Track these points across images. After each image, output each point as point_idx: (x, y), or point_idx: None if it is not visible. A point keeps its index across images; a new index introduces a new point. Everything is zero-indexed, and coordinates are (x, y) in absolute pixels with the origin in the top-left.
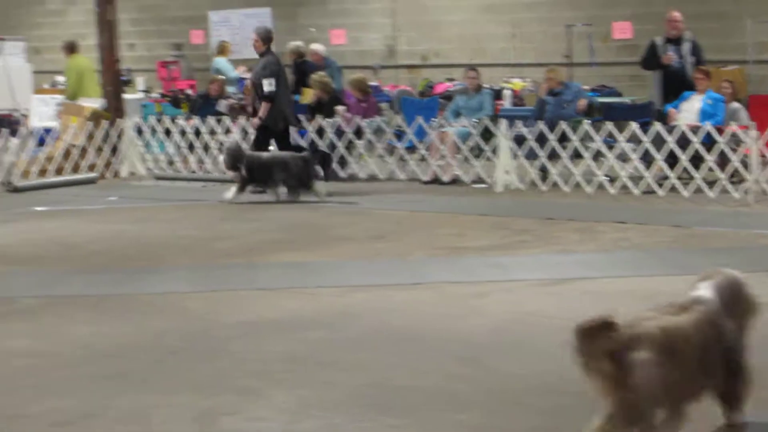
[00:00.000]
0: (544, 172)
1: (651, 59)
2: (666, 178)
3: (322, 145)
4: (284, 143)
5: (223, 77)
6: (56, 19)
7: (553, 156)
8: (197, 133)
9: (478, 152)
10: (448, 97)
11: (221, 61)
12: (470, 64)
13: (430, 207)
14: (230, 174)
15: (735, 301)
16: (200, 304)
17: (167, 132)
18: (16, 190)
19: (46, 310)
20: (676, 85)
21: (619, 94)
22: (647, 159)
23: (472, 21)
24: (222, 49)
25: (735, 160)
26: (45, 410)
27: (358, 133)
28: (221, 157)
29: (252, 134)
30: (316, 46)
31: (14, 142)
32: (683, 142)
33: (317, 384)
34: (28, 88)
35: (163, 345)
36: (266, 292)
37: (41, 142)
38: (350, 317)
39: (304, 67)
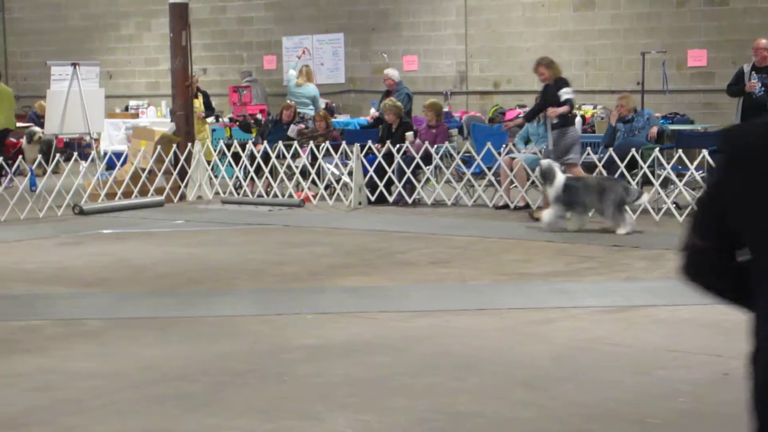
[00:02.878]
0: None
1: (735, 86)
2: None
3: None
4: None
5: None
6: (130, 44)
7: None
8: (266, 157)
9: None
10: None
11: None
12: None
13: (497, 233)
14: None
15: None
16: (265, 327)
17: (236, 156)
18: (84, 212)
19: (113, 332)
20: (754, 113)
21: (691, 122)
22: None
23: (545, 47)
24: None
25: None
26: (110, 431)
27: (427, 158)
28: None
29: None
30: (390, 72)
31: (84, 165)
32: None
33: (380, 409)
34: (101, 113)
35: (228, 368)
36: (330, 316)
37: (111, 166)
38: (414, 342)
39: None
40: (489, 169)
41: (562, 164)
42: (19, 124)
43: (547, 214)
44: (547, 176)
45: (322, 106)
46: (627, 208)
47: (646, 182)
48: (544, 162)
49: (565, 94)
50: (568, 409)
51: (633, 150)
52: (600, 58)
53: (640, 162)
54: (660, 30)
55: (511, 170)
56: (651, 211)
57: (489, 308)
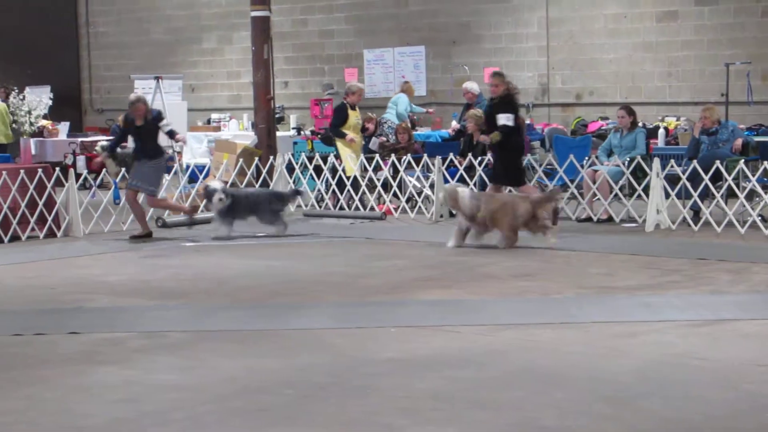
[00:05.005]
0: (696, 212)
1: None
2: None
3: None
4: None
5: (373, 115)
6: (212, 57)
7: (706, 195)
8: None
9: (629, 191)
10: (601, 135)
11: (402, 98)
12: (624, 102)
13: (580, 245)
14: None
15: None
16: (347, 340)
17: (318, 169)
18: (167, 225)
19: (196, 344)
20: None
21: None
22: None
23: (627, 59)
24: (407, 89)
25: None
26: None
27: None
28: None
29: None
30: (469, 85)
31: (166, 178)
32: None
33: (464, 423)
34: (183, 126)
35: (310, 381)
36: (413, 329)
37: (193, 178)
38: (497, 356)
39: None
40: (572, 181)
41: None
42: (102, 138)
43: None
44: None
45: (404, 112)
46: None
47: (731, 195)
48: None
49: (502, 119)
50: (654, 424)
51: (717, 162)
52: (683, 69)
53: (725, 174)
54: (744, 40)
55: (594, 182)
56: (736, 224)
57: (572, 322)
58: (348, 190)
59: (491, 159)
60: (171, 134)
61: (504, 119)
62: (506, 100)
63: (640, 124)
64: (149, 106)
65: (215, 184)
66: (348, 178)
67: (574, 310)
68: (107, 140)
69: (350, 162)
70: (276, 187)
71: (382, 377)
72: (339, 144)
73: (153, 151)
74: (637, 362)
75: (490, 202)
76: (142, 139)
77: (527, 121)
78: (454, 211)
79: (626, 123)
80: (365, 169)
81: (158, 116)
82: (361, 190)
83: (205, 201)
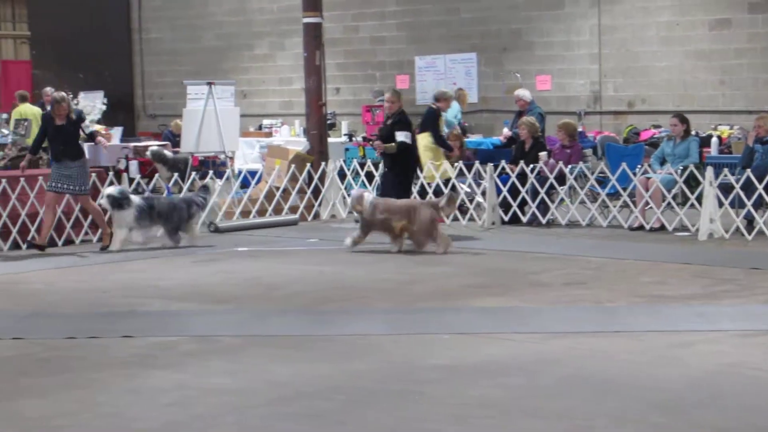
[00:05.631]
0: (750, 221)
1: None
2: None
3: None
4: None
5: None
6: (264, 63)
7: (761, 205)
8: None
9: (682, 200)
10: (654, 143)
11: (453, 106)
12: (677, 110)
13: (632, 254)
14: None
15: None
16: (399, 346)
17: (369, 175)
18: (219, 230)
19: (247, 349)
20: None
21: None
22: None
23: (680, 67)
24: (459, 97)
25: None
26: None
27: (561, 178)
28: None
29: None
30: (521, 92)
31: (219, 183)
32: None
33: (515, 430)
34: (236, 131)
35: (361, 386)
36: (464, 336)
37: (245, 184)
38: (549, 364)
39: None
40: (624, 189)
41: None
42: (153, 143)
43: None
44: None
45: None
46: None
47: None
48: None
49: (401, 136)
50: None
51: None
52: (736, 77)
53: None
54: None
55: (647, 191)
56: None
57: (625, 330)
58: None
59: (542, 167)
60: (92, 136)
61: (403, 136)
62: (403, 118)
63: (693, 133)
64: (72, 106)
65: (111, 189)
66: (429, 184)
67: (627, 318)
68: (158, 145)
69: (432, 169)
70: (328, 194)
71: (434, 384)
72: (426, 149)
73: (75, 153)
74: (691, 372)
75: (393, 209)
76: (64, 140)
77: (579, 129)
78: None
79: (679, 131)
80: (417, 177)
81: (80, 117)
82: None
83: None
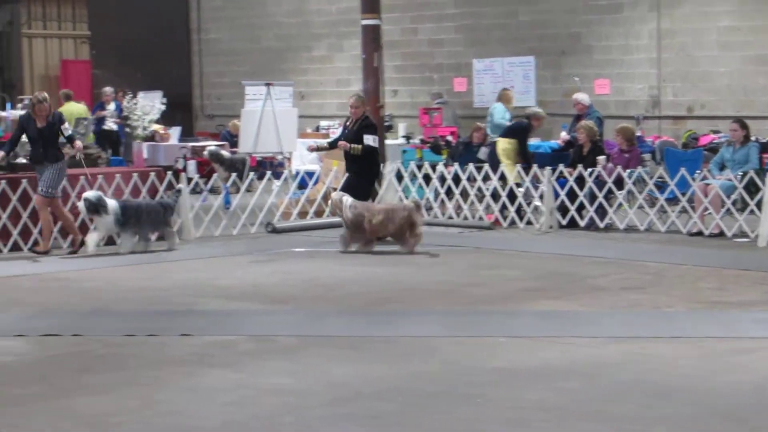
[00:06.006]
0: None
1: None
2: None
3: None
4: None
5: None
6: (322, 65)
7: None
8: (456, 179)
9: (741, 206)
10: (713, 149)
11: (498, 107)
12: (737, 116)
13: (691, 260)
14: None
15: None
16: (457, 349)
17: (426, 178)
18: (277, 231)
19: (305, 349)
20: None
21: None
22: None
23: (740, 72)
24: (503, 97)
25: None
26: None
27: (619, 183)
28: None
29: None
30: (579, 96)
31: (276, 184)
32: None
33: None
34: (293, 132)
35: (419, 388)
36: (522, 339)
37: (303, 185)
38: (607, 368)
39: None
40: (683, 194)
41: None
42: (211, 143)
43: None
44: None
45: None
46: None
47: None
48: None
49: (369, 140)
50: None
51: None
52: None
53: None
54: None
55: (706, 196)
56: None
57: (684, 336)
58: (457, 199)
59: (601, 171)
60: (70, 139)
61: (371, 140)
62: (368, 122)
63: (752, 138)
64: (52, 108)
65: (88, 194)
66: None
67: (685, 324)
68: (216, 145)
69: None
70: (385, 196)
71: (491, 387)
72: (503, 153)
73: (54, 155)
74: (753, 379)
75: (372, 212)
76: (44, 142)
77: (638, 134)
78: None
79: (739, 137)
80: (474, 179)
81: (60, 119)
82: (469, 200)
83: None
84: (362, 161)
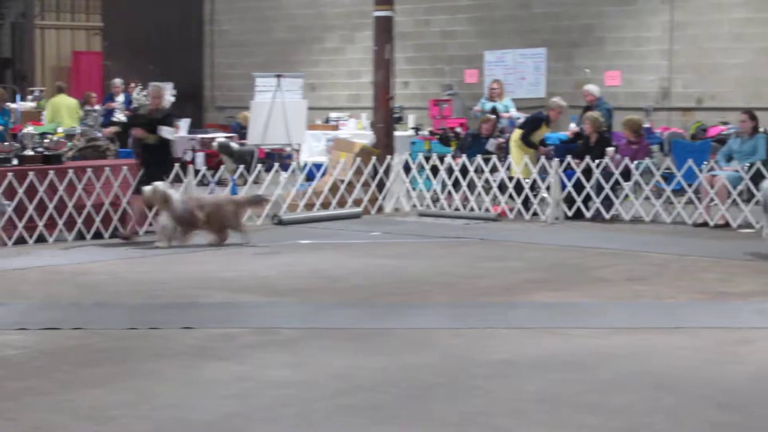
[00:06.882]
0: None
1: None
2: None
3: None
4: None
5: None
6: (333, 57)
7: None
8: (464, 171)
9: (748, 197)
10: (721, 140)
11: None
12: (747, 107)
13: (696, 251)
14: None
15: None
16: (459, 340)
17: (434, 169)
18: (283, 223)
19: (307, 341)
20: None
21: None
22: None
23: (751, 64)
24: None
25: None
26: None
27: (626, 174)
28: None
29: None
30: (590, 87)
31: (284, 176)
32: None
33: (573, 426)
34: (302, 124)
35: (419, 380)
36: (524, 331)
37: (310, 177)
38: (607, 359)
39: None
40: (690, 186)
41: None
42: (221, 135)
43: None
44: None
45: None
46: None
47: None
48: None
49: (165, 132)
50: None
51: None
52: None
53: None
54: None
55: (712, 187)
56: None
57: (686, 327)
58: (464, 191)
59: (609, 163)
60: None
61: (167, 132)
62: (167, 114)
63: (761, 130)
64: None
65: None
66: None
67: (688, 315)
68: (225, 137)
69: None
70: (392, 187)
71: (492, 378)
72: (515, 145)
73: None
74: (752, 369)
75: (202, 204)
76: None
77: (646, 125)
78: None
79: (748, 128)
80: (482, 171)
81: None
82: (477, 191)
83: None
84: (155, 152)
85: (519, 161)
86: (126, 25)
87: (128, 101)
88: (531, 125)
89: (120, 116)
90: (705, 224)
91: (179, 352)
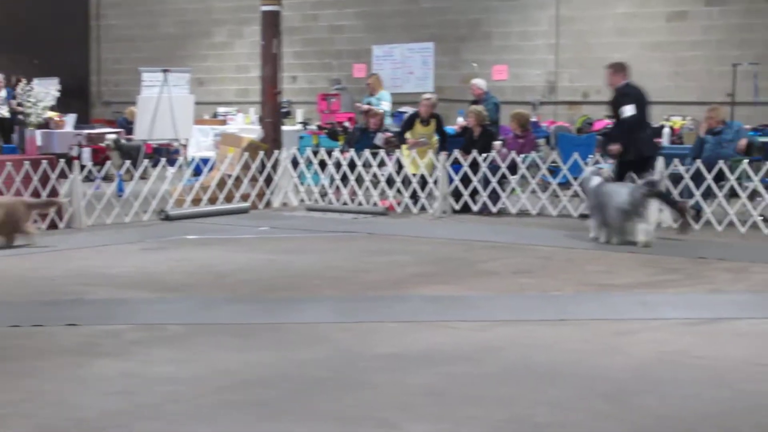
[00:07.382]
0: (697, 212)
1: None
2: None
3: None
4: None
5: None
6: (221, 51)
7: (708, 195)
8: (352, 165)
9: None
10: (606, 134)
11: (384, 94)
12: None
13: (581, 243)
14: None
15: None
16: (346, 335)
17: (322, 164)
18: (170, 218)
19: (194, 337)
20: None
21: None
22: None
23: (635, 58)
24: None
25: None
26: None
27: (513, 167)
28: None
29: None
30: (477, 81)
31: (171, 171)
32: None
33: (459, 418)
34: (190, 119)
35: (307, 375)
36: (411, 324)
37: (198, 172)
38: (493, 352)
39: None
40: (575, 179)
41: None
42: (109, 131)
43: None
44: None
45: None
46: None
47: (732, 195)
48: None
49: None
50: (649, 422)
51: (721, 162)
52: (690, 69)
53: (728, 174)
54: (753, 42)
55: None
56: (737, 223)
57: (570, 319)
58: (352, 185)
59: (495, 156)
60: None
61: None
62: None
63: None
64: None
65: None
66: (414, 175)
67: (572, 307)
68: (115, 133)
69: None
70: (280, 182)
71: (379, 372)
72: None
73: None
74: (634, 360)
75: None
76: None
77: (533, 119)
78: None
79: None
80: (370, 165)
81: None
82: (365, 186)
83: None
84: None
85: (423, 156)
86: (8, 19)
87: (10, 96)
88: (405, 124)
89: (2, 112)
90: (587, 215)
91: (64, 350)
